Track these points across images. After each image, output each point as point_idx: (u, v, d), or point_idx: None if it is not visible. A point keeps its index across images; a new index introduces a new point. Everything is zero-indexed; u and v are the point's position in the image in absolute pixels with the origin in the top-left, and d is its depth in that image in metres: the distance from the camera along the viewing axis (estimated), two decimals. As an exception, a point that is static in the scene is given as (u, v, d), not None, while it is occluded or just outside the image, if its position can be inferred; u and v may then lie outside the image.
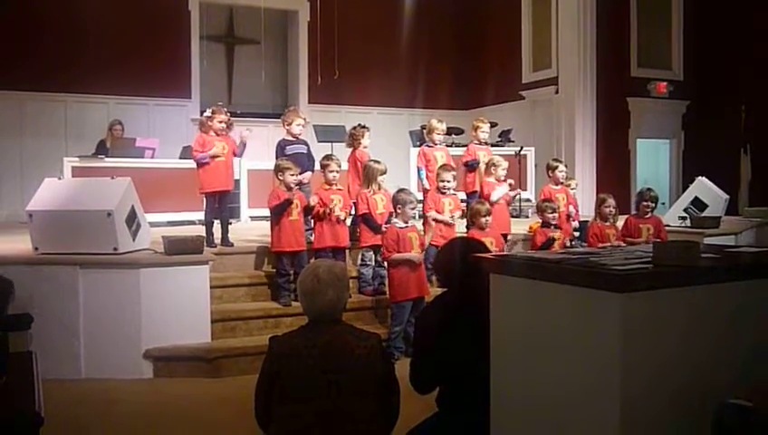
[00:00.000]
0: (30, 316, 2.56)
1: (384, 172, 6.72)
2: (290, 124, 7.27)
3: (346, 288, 3.01)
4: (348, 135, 7.76)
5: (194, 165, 7.14)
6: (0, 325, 2.40)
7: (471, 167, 7.96)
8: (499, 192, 7.38)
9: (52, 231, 5.86)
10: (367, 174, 6.77)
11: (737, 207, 10.78)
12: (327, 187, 6.68)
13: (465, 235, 6.62)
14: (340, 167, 6.81)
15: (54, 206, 5.94)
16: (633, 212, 7.63)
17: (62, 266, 5.74)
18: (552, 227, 7.15)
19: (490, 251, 5.99)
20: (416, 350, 3.48)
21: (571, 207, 7.84)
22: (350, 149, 7.55)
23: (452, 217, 6.89)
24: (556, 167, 8.01)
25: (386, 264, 6.41)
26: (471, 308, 3.05)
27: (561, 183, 8.02)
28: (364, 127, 7.65)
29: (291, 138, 7.28)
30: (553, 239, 7.01)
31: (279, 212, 6.44)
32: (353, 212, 7.04)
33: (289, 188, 6.50)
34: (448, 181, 6.94)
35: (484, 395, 2.81)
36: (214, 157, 6.93)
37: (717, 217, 8.60)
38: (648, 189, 7.50)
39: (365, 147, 7.51)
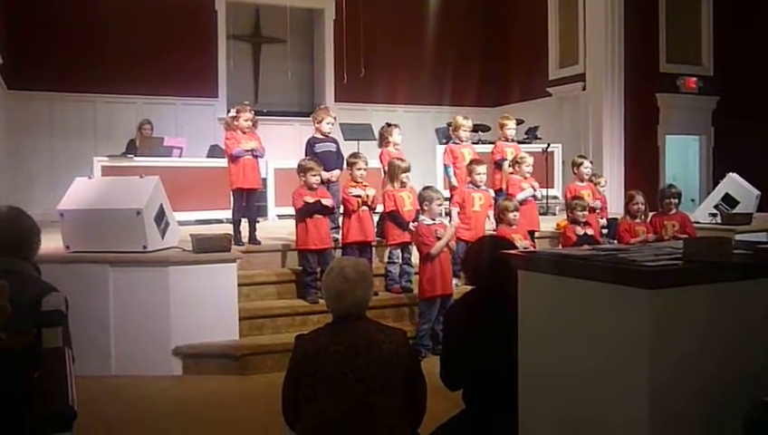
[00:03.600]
0: (62, 313, 2.60)
1: (407, 170, 6.70)
2: (320, 122, 7.30)
3: (371, 285, 3.02)
4: (378, 134, 7.78)
5: (221, 164, 7.22)
6: (35, 323, 2.43)
7: (501, 165, 7.94)
8: (524, 194, 7.32)
9: (82, 230, 5.95)
10: (390, 171, 6.77)
11: (770, 204, 10.61)
12: (353, 184, 6.68)
13: (493, 232, 6.61)
14: (366, 164, 6.81)
15: (85, 205, 6.03)
16: (658, 210, 7.54)
17: (93, 265, 5.82)
18: (582, 224, 7.09)
19: (518, 248, 5.99)
20: (444, 346, 3.48)
21: (597, 202, 7.75)
22: (381, 148, 7.58)
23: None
24: (581, 163, 7.94)
25: (417, 261, 6.41)
26: (499, 305, 3.04)
27: (590, 180, 7.95)
28: (392, 125, 7.66)
29: (320, 136, 7.30)
30: (586, 237, 6.92)
31: (309, 212, 6.46)
32: (377, 209, 7.02)
33: (311, 188, 6.52)
34: (483, 174, 6.94)
35: (512, 391, 2.80)
36: (250, 150, 6.99)
37: (749, 213, 8.48)
38: (670, 186, 7.43)
39: (396, 144, 7.51)
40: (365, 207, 6.63)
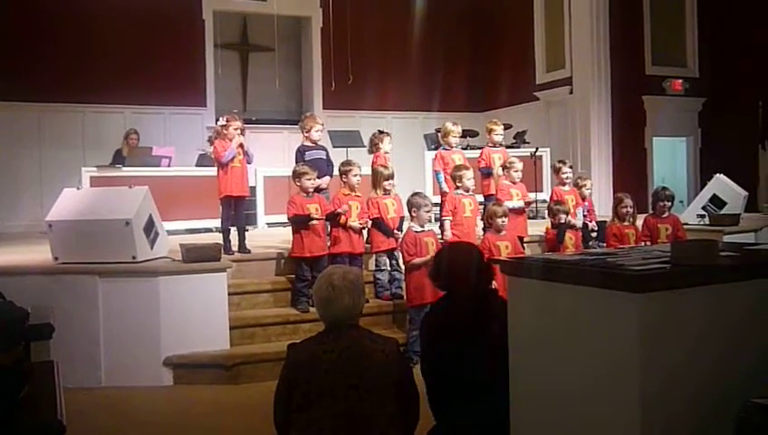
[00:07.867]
0: (51, 326, 2.59)
1: (390, 177, 6.71)
2: (308, 131, 7.30)
3: (362, 293, 3.00)
4: (369, 141, 7.81)
5: (210, 173, 7.20)
6: (21, 339, 2.43)
7: (485, 173, 7.93)
8: (513, 204, 7.23)
9: (71, 241, 5.91)
10: (373, 178, 6.79)
11: (756, 204, 10.67)
12: (347, 192, 6.66)
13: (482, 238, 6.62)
14: (361, 170, 6.80)
15: (73, 216, 6.00)
16: (650, 212, 7.56)
17: (82, 276, 5.78)
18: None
19: (493, 254, 6.00)
20: (422, 354, 3.51)
21: (579, 209, 7.67)
22: (372, 155, 7.60)
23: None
24: (560, 168, 7.86)
25: (403, 267, 6.41)
26: (465, 308, 3.08)
27: (575, 184, 7.91)
28: (383, 132, 7.69)
29: (310, 144, 7.30)
30: (566, 228, 6.91)
31: (298, 223, 6.45)
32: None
33: (307, 193, 6.52)
34: (472, 178, 6.95)
35: (487, 393, 2.82)
36: (236, 154, 6.97)
37: (737, 214, 8.52)
38: (663, 188, 7.43)
39: (386, 152, 7.53)
40: (355, 224, 6.60)
